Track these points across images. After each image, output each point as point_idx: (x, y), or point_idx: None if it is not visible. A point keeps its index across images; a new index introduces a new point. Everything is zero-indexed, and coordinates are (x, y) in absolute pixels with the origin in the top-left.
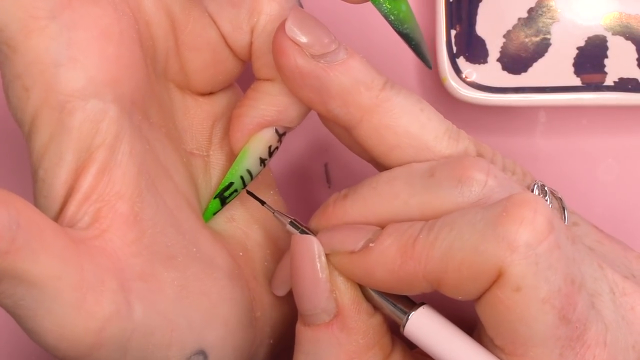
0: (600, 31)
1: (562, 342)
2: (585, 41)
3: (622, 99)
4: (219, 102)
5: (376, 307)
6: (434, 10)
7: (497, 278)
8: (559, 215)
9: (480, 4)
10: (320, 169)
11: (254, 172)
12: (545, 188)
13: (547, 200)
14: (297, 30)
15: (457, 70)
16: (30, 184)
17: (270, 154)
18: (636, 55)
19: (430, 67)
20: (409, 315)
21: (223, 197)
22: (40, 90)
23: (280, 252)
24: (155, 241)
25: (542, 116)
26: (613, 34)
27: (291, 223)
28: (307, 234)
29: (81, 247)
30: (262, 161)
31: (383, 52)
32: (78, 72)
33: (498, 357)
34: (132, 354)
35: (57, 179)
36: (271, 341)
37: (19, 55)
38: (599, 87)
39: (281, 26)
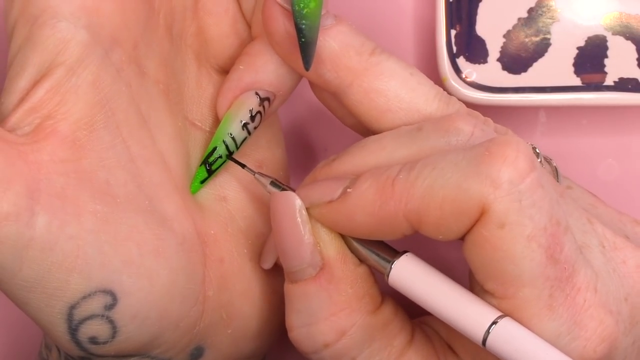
0: (600, 31)
1: (551, 283)
2: (585, 41)
3: (622, 99)
4: None
5: (361, 260)
6: (434, 10)
7: (481, 216)
8: (549, 172)
9: (480, 4)
10: None
11: (237, 137)
12: (537, 150)
13: (539, 161)
14: None
15: (457, 70)
16: None
17: (253, 118)
18: (636, 55)
19: (307, 69)
20: (392, 264)
21: (208, 163)
22: (21, 1)
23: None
24: (93, 172)
25: (542, 116)
26: (613, 34)
27: (272, 183)
28: (286, 187)
29: (2, 144)
30: (245, 125)
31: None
32: None
33: (491, 304)
34: (29, 264)
35: (15, 86)
36: (229, 330)
37: None
38: (599, 87)
39: None
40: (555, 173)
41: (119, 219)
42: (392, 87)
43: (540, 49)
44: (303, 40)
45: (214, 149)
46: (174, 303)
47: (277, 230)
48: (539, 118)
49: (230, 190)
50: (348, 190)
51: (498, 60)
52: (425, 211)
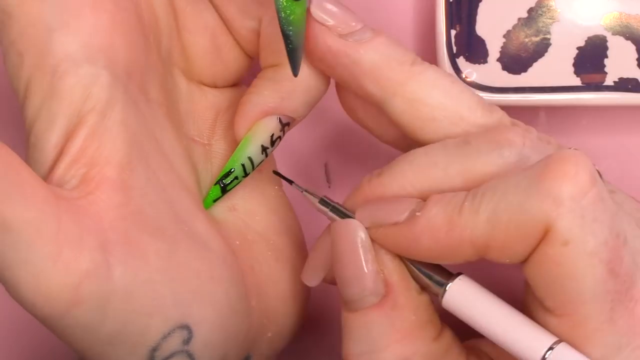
0: (600, 31)
1: (612, 296)
2: (585, 41)
3: (622, 99)
4: (225, 96)
5: (415, 280)
6: (434, 10)
7: (545, 235)
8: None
9: (480, 4)
10: (320, 169)
11: (255, 160)
12: None
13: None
14: (322, 13)
15: (457, 70)
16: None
17: (273, 142)
18: (636, 55)
19: (295, 75)
20: (446, 286)
21: (223, 184)
22: (34, 54)
23: (285, 243)
24: (143, 210)
25: (542, 116)
26: (613, 34)
27: (321, 201)
28: (341, 212)
29: (63, 202)
30: (264, 149)
31: None
32: (70, 37)
33: (549, 322)
34: (112, 317)
35: (48, 143)
36: (270, 334)
37: (14, 20)
38: (599, 87)
39: (307, 10)
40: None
41: (175, 251)
42: (436, 96)
43: (540, 49)
44: (290, 46)
45: (231, 170)
46: (233, 321)
47: (339, 258)
48: (539, 118)
49: (237, 198)
50: (417, 214)
51: (498, 60)
52: (491, 236)
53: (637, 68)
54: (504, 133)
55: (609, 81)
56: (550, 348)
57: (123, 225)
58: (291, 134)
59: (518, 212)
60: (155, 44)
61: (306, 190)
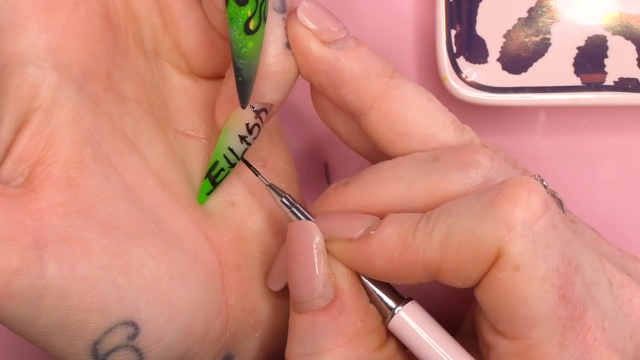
0: (600, 31)
1: (564, 322)
2: (585, 41)
3: (622, 99)
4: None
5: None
6: (434, 10)
7: (496, 259)
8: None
9: (480, 4)
10: (320, 169)
11: (237, 150)
12: (544, 183)
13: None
14: (307, 18)
15: (457, 70)
16: None
17: (250, 131)
18: (636, 55)
19: (243, 107)
20: (394, 310)
21: (212, 177)
22: None
23: (279, 246)
24: (94, 208)
25: (542, 116)
26: (613, 34)
27: (284, 200)
28: (302, 212)
29: (1, 199)
30: (243, 139)
31: (384, 51)
32: (18, 37)
33: (501, 345)
34: (46, 312)
35: None
36: (257, 334)
37: None
38: (599, 87)
39: (293, 14)
40: (561, 206)
41: (128, 248)
42: (411, 112)
43: (540, 49)
44: (240, 79)
45: (216, 162)
46: (198, 319)
47: (292, 258)
48: (539, 118)
49: (237, 194)
50: (372, 232)
51: (498, 60)
52: (443, 259)
53: (637, 68)
54: (473, 153)
55: (609, 81)
56: None
57: (64, 223)
58: (291, 134)
59: (470, 236)
60: (134, 42)
61: (270, 186)
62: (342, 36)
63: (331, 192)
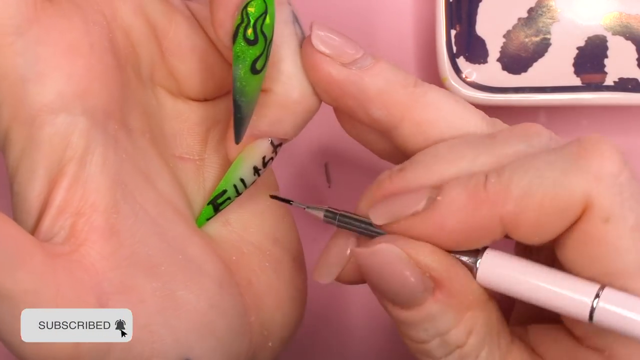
0: (600, 31)
1: None
2: (585, 41)
3: (622, 99)
4: (215, 108)
5: None
6: (434, 10)
7: (583, 212)
8: None
9: (480, 4)
10: (320, 169)
11: (247, 181)
12: None
13: None
14: (323, 44)
15: (457, 70)
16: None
17: (265, 164)
18: (636, 55)
19: (237, 143)
20: (476, 263)
21: (216, 204)
22: (10, 105)
23: (282, 251)
24: (135, 252)
25: (542, 116)
26: (613, 34)
27: (326, 213)
28: (352, 218)
29: (58, 261)
30: (256, 171)
31: (385, 51)
32: (46, 87)
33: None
34: None
35: (30, 193)
36: (270, 344)
37: None
38: (599, 87)
39: (307, 42)
40: None
41: (171, 287)
42: (443, 116)
43: (540, 49)
44: (239, 115)
45: (224, 191)
46: (234, 343)
47: (379, 284)
48: (539, 118)
49: (230, 212)
50: (438, 198)
51: (498, 60)
52: (524, 212)
53: (637, 68)
54: (531, 127)
55: (609, 81)
56: (597, 296)
57: (117, 274)
58: None
59: (555, 187)
60: (133, 72)
61: (309, 206)
62: (359, 55)
63: (386, 180)
